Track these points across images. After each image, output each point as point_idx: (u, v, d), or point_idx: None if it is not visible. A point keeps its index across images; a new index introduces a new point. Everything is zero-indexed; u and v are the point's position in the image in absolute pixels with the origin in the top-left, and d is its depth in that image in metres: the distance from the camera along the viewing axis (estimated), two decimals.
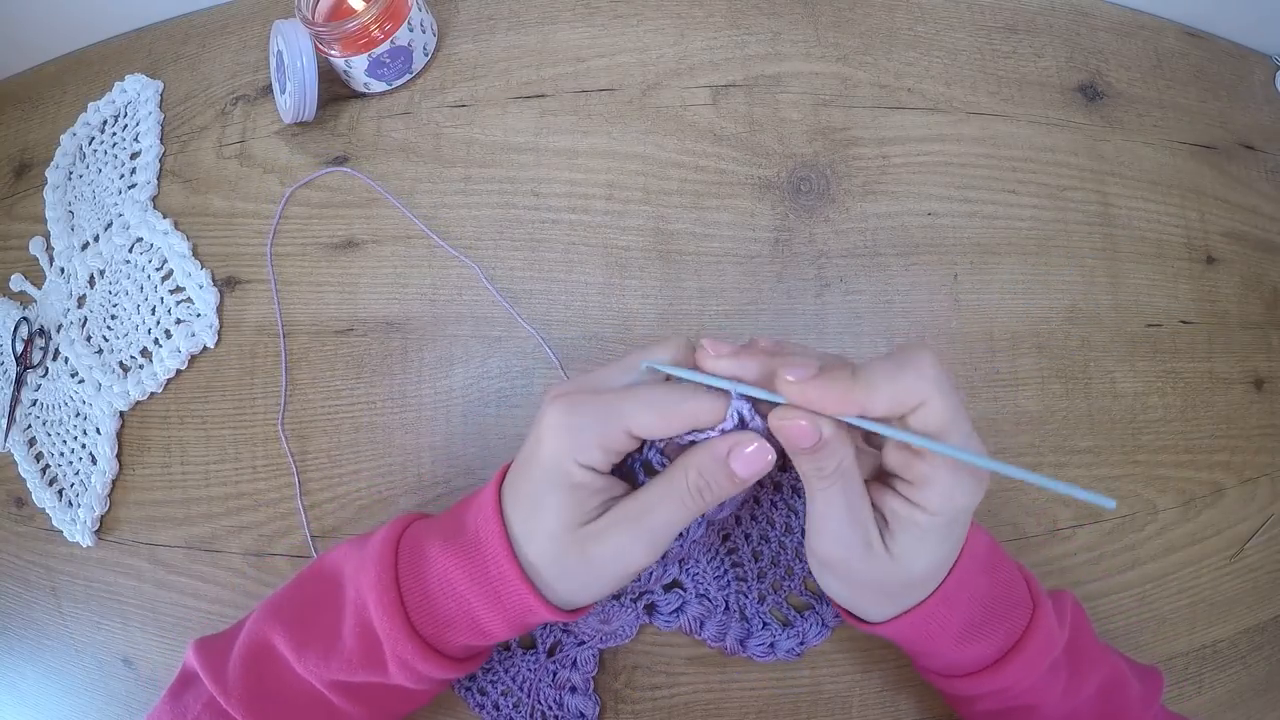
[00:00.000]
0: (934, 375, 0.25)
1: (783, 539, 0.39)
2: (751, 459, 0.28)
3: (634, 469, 0.31)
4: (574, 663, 0.39)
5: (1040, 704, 0.32)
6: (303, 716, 0.32)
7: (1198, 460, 0.44)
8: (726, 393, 0.28)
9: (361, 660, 0.30)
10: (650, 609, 0.39)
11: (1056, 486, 0.22)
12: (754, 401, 0.27)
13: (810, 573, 0.39)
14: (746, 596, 0.39)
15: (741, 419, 0.28)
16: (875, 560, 0.29)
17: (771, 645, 0.39)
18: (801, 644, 0.39)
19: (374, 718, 0.33)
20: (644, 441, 0.29)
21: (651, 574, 0.38)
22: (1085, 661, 0.34)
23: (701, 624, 0.39)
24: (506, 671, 0.39)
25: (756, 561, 0.39)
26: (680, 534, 0.31)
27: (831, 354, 0.31)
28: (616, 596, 0.37)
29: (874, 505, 0.29)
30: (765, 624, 0.39)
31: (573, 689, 0.39)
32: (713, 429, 0.28)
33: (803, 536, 0.39)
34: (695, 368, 0.29)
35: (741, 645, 0.39)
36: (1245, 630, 0.44)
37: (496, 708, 0.39)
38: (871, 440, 0.30)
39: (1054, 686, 0.32)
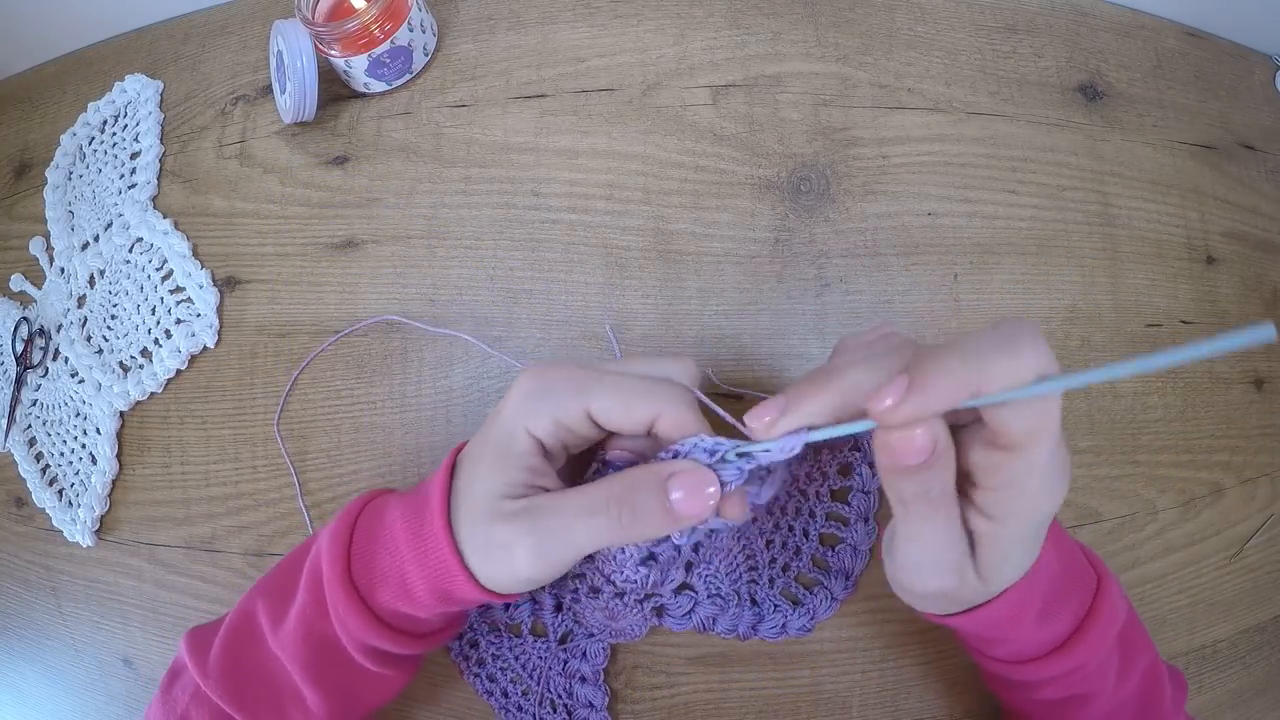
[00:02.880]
0: (1040, 341, 0.22)
1: (791, 522, 0.39)
2: (692, 494, 0.25)
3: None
4: (584, 654, 0.39)
5: (1097, 692, 0.31)
6: (274, 702, 0.32)
7: (1198, 460, 0.44)
8: (702, 414, 0.26)
9: (312, 612, 0.30)
10: (660, 611, 0.39)
11: (1202, 350, 0.18)
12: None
13: (819, 550, 0.39)
14: (757, 583, 0.39)
15: (713, 451, 0.26)
16: (969, 585, 0.26)
17: (783, 626, 0.39)
18: (812, 620, 0.39)
19: (341, 708, 0.33)
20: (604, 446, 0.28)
21: (662, 580, 0.37)
22: (1133, 646, 0.32)
23: (714, 621, 0.39)
24: (517, 659, 0.39)
25: (768, 549, 0.39)
26: (676, 550, 0.30)
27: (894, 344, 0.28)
28: (620, 595, 0.36)
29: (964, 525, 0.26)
30: (776, 606, 0.39)
31: (582, 679, 0.39)
32: (681, 448, 0.26)
33: (809, 518, 0.39)
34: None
35: (754, 630, 0.39)
36: (1245, 630, 0.44)
37: (505, 694, 0.39)
38: None
39: (1110, 672, 0.31)
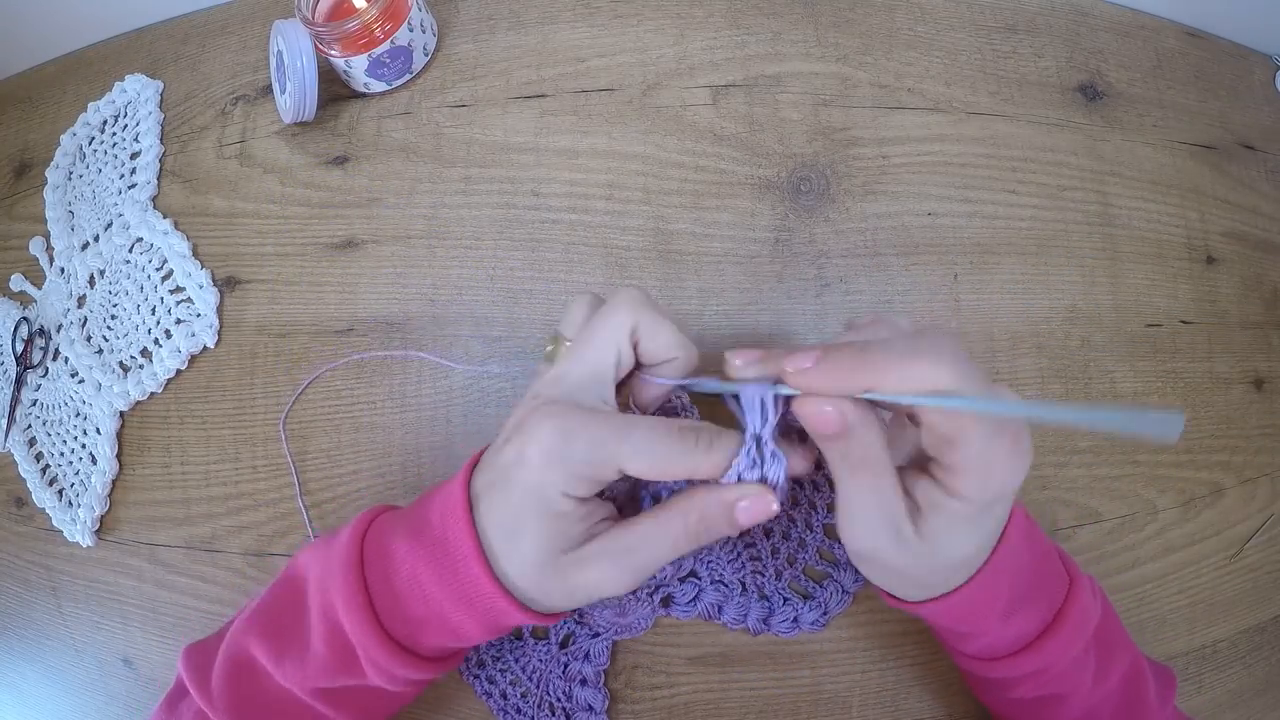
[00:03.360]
0: (952, 359, 0.24)
1: (791, 512, 0.39)
2: (756, 508, 0.27)
3: (642, 499, 0.31)
4: (587, 655, 0.39)
5: (1072, 693, 0.32)
6: None
7: (1198, 460, 0.44)
8: (730, 448, 0.27)
9: (336, 666, 0.30)
10: (667, 601, 0.39)
11: (1113, 419, 0.20)
12: (757, 447, 0.27)
13: (824, 542, 0.39)
14: (763, 575, 0.39)
15: (751, 458, 0.27)
16: (906, 549, 0.27)
17: (795, 620, 0.39)
18: (825, 614, 0.39)
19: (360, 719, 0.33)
20: None
21: (666, 572, 0.38)
22: (1111, 647, 0.33)
23: (720, 609, 0.39)
24: (517, 661, 0.39)
25: (769, 539, 0.39)
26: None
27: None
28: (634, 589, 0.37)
29: (907, 492, 0.27)
30: (786, 600, 0.39)
31: (583, 681, 0.39)
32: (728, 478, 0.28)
33: (809, 509, 0.39)
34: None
35: (765, 624, 0.39)
36: (1245, 630, 0.44)
37: (504, 696, 0.39)
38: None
39: (1086, 672, 0.32)
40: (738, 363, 0.28)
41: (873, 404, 0.26)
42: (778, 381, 0.27)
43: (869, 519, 0.27)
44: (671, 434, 0.27)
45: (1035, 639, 0.31)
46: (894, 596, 0.32)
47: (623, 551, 0.28)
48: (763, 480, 0.28)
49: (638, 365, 0.31)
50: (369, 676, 0.30)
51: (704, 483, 0.29)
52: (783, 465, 0.28)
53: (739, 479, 0.28)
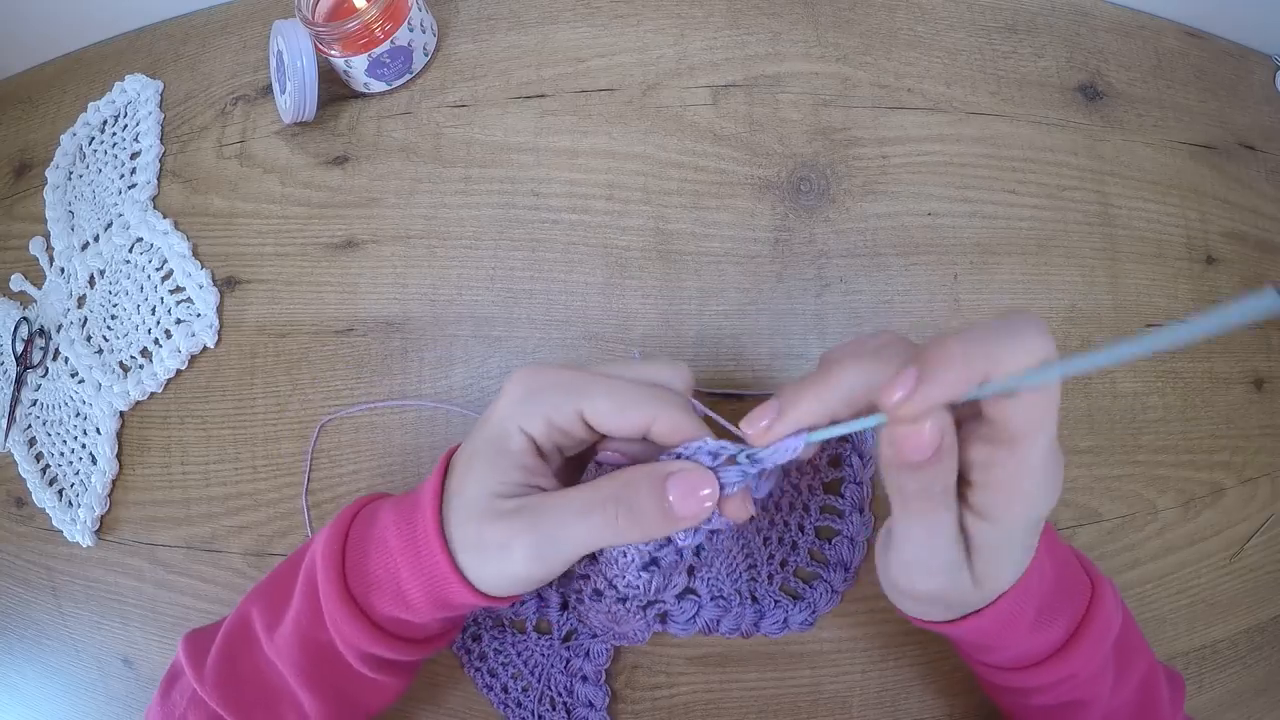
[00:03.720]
0: (1041, 325, 0.22)
1: (786, 517, 0.39)
2: (689, 494, 0.25)
3: None
4: (588, 653, 0.39)
5: (1094, 699, 0.31)
6: (271, 707, 0.32)
7: (1198, 460, 0.44)
8: (698, 418, 0.26)
9: (308, 619, 0.30)
10: (663, 617, 0.38)
11: (1217, 321, 0.18)
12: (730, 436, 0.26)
13: (815, 543, 0.39)
14: (756, 580, 0.39)
15: (715, 454, 0.26)
16: (961, 586, 0.26)
17: (785, 622, 0.39)
18: (814, 614, 0.39)
19: (338, 713, 0.32)
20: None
21: (666, 586, 0.36)
22: (1130, 652, 0.32)
23: (719, 623, 0.39)
24: (519, 655, 0.39)
25: (765, 546, 0.39)
26: (679, 554, 0.30)
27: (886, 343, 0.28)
28: (623, 600, 0.36)
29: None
30: (777, 602, 0.39)
31: (584, 678, 0.39)
32: (684, 451, 0.26)
33: (802, 512, 0.39)
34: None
35: (755, 627, 0.39)
36: (1245, 630, 0.44)
37: (505, 690, 0.39)
38: None
39: (1106, 678, 0.31)
40: (758, 429, 0.26)
41: None
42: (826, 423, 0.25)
43: (933, 562, 0.26)
44: (640, 384, 0.27)
45: (1061, 647, 0.30)
46: (934, 630, 0.31)
47: (536, 512, 0.26)
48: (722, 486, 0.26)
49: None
50: (332, 637, 0.30)
51: None
52: (770, 483, 0.28)
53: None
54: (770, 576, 0.39)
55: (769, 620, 0.38)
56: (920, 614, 0.30)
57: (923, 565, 0.26)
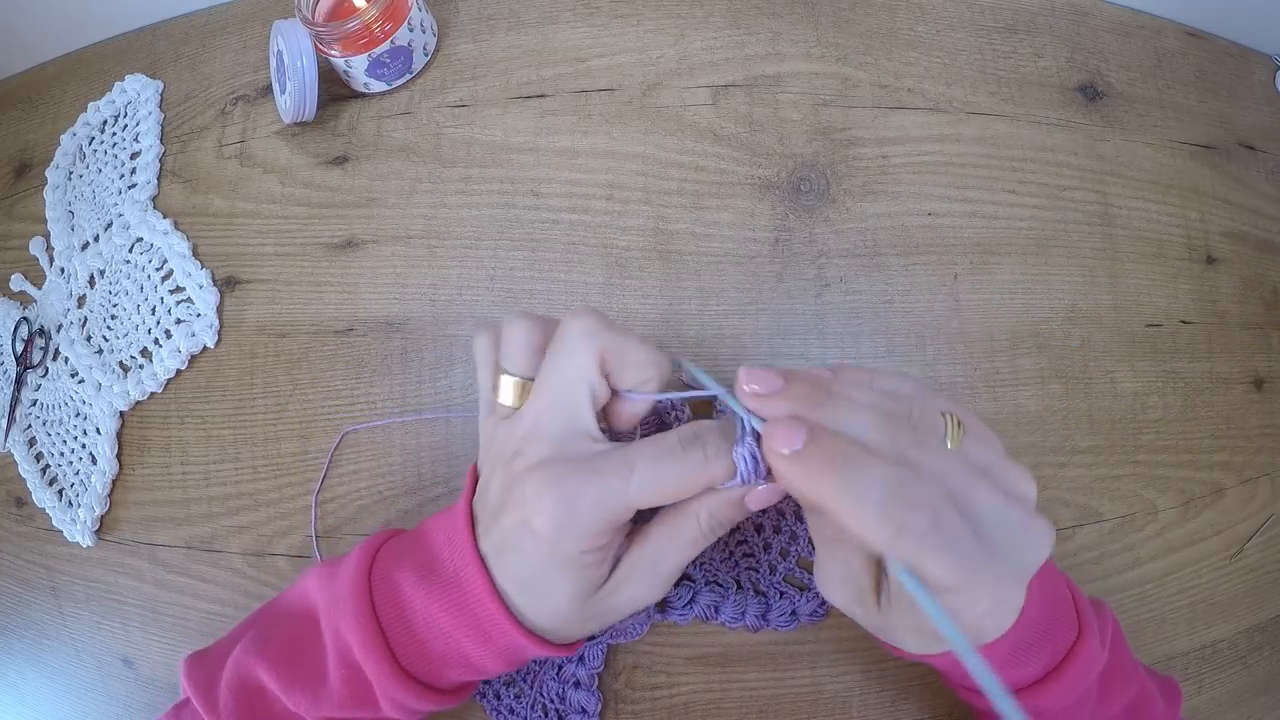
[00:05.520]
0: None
1: (781, 506, 0.39)
2: (764, 496, 0.28)
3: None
4: (581, 658, 0.39)
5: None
6: None
7: (1198, 460, 0.44)
8: (729, 449, 0.28)
9: (352, 702, 0.30)
10: (662, 605, 0.39)
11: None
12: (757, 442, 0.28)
13: None
14: (757, 571, 0.39)
15: (744, 477, 0.28)
16: (872, 617, 0.28)
17: (793, 612, 0.39)
18: (822, 604, 0.39)
19: None
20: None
21: None
22: (1116, 683, 0.32)
23: (717, 609, 0.39)
24: None
25: (760, 534, 0.39)
26: None
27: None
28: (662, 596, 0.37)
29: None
30: (782, 593, 0.39)
31: (576, 684, 0.39)
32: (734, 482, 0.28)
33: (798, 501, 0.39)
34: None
35: (763, 620, 0.39)
36: (1245, 630, 0.44)
37: (498, 696, 0.39)
38: None
39: (1086, 706, 0.31)
40: (745, 387, 0.28)
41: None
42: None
43: (832, 579, 0.29)
44: (674, 457, 0.27)
45: (1035, 683, 0.30)
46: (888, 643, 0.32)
47: (649, 565, 0.29)
48: (758, 465, 0.28)
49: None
50: (384, 710, 0.30)
51: None
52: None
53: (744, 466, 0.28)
54: (772, 568, 0.39)
55: (776, 612, 0.38)
56: (875, 633, 0.31)
57: (827, 577, 0.30)
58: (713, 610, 0.38)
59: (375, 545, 0.32)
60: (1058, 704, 0.30)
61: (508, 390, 0.30)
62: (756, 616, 0.38)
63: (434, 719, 0.41)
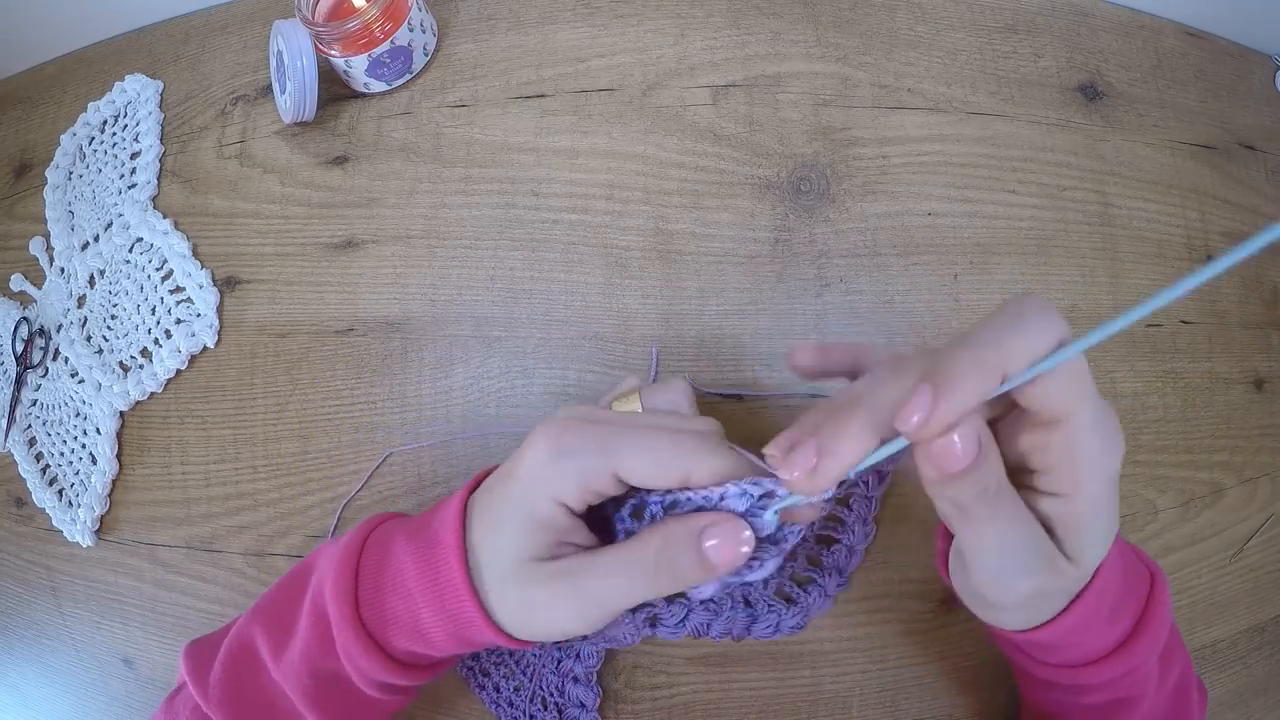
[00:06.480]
0: (1046, 306, 0.21)
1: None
2: (727, 542, 0.25)
3: (616, 529, 0.29)
4: (579, 654, 0.39)
5: (1142, 695, 0.30)
6: None
7: (1198, 460, 0.44)
8: (735, 459, 0.26)
9: (316, 651, 0.30)
10: (653, 621, 0.38)
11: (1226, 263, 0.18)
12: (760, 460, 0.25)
13: (813, 549, 0.39)
14: (749, 584, 0.39)
15: (750, 494, 0.25)
16: (1063, 571, 0.25)
17: (776, 626, 0.39)
18: (805, 617, 0.39)
19: None
20: (630, 490, 0.27)
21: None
22: (1172, 649, 0.32)
23: (709, 626, 0.38)
24: (511, 654, 0.39)
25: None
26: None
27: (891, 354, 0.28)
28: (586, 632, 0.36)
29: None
30: (770, 606, 0.39)
31: (575, 679, 0.39)
32: (713, 494, 0.26)
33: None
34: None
35: (748, 631, 0.39)
36: (1245, 630, 0.44)
37: (497, 689, 0.39)
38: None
39: (1155, 674, 0.30)
40: (802, 473, 0.23)
41: None
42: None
43: (1022, 560, 0.24)
44: (672, 433, 0.26)
45: (1126, 639, 0.29)
46: (1002, 635, 0.30)
47: (579, 574, 0.27)
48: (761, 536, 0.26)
49: None
50: (342, 664, 0.30)
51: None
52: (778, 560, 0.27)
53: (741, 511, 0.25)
54: (765, 582, 0.39)
55: (761, 624, 0.38)
56: (1014, 623, 0.28)
57: (1010, 569, 0.25)
58: (705, 628, 0.38)
59: (385, 516, 0.33)
60: (1148, 658, 0.29)
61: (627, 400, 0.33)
62: (743, 628, 0.38)
63: (433, 719, 0.41)
